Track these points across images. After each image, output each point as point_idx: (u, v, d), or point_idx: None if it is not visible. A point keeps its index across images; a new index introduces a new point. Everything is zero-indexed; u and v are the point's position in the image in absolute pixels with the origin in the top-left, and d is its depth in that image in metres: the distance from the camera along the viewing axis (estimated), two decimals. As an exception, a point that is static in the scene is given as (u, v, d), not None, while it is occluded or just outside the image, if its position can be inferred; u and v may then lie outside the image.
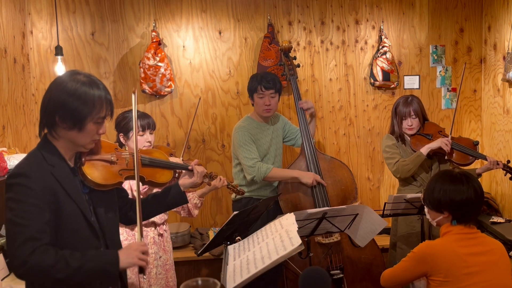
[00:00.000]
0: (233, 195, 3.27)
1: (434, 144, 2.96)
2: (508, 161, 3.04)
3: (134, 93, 1.83)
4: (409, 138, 3.13)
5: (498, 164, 2.97)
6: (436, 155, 3.06)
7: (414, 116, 3.06)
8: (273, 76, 3.12)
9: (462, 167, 3.06)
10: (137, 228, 1.72)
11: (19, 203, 1.53)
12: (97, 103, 1.62)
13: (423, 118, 3.11)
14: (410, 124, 3.06)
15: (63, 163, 1.65)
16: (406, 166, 2.99)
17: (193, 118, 2.89)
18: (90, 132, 1.64)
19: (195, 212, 2.69)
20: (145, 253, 1.67)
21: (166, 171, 2.02)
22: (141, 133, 2.52)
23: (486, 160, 3.02)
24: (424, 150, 2.97)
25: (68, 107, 1.59)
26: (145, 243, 1.70)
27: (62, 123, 1.61)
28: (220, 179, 2.49)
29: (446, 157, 3.03)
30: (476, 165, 3.22)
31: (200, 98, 3.51)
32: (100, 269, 1.57)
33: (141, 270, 1.69)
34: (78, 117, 1.60)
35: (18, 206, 1.53)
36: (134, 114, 1.84)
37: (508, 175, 3.02)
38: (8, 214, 1.54)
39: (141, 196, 2.29)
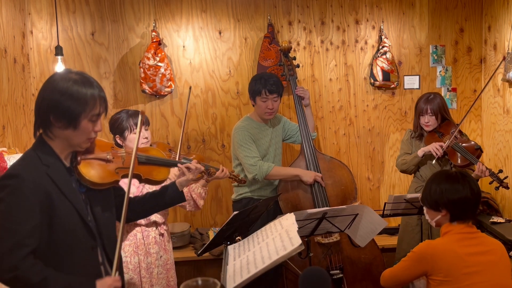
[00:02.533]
0: (233, 195, 3.27)
1: (426, 148, 3.06)
2: (500, 171, 2.97)
3: (142, 114, 1.82)
4: (425, 134, 3.19)
5: (484, 173, 2.90)
6: (445, 155, 3.08)
7: (431, 114, 3.10)
8: (276, 79, 3.09)
9: (460, 168, 3.06)
10: (114, 262, 1.65)
11: (8, 205, 1.52)
12: (90, 101, 1.62)
13: (442, 117, 3.12)
14: (427, 121, 3.12)
15: (59, 163, 1.65)
16: (404, 165, 3.20)
17: (185, 109, 2.76)
18: (85, 130, 1.64)
19: (201, 202, 2.60)
20: None
21: (163, 169, 2.01)
22: (136, 131, 2.49)
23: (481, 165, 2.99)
24: (420, 152, 3.09)
25: (61, 106, 1.59)
26: (119, 278, 1.66)
27: (56, 122, 1.61)
28: (223, 170, 2.48)
29: (446, 157, 3.06)
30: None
31: (190, 87, 3.37)
32: None
33: None
34: (72, 115, 1.60)
35: (7, 209, 1.52)
36: (138, 131, 1.82)
37: (495, 183, 2.93)
38: None
39: (140, 194, 2.28)
